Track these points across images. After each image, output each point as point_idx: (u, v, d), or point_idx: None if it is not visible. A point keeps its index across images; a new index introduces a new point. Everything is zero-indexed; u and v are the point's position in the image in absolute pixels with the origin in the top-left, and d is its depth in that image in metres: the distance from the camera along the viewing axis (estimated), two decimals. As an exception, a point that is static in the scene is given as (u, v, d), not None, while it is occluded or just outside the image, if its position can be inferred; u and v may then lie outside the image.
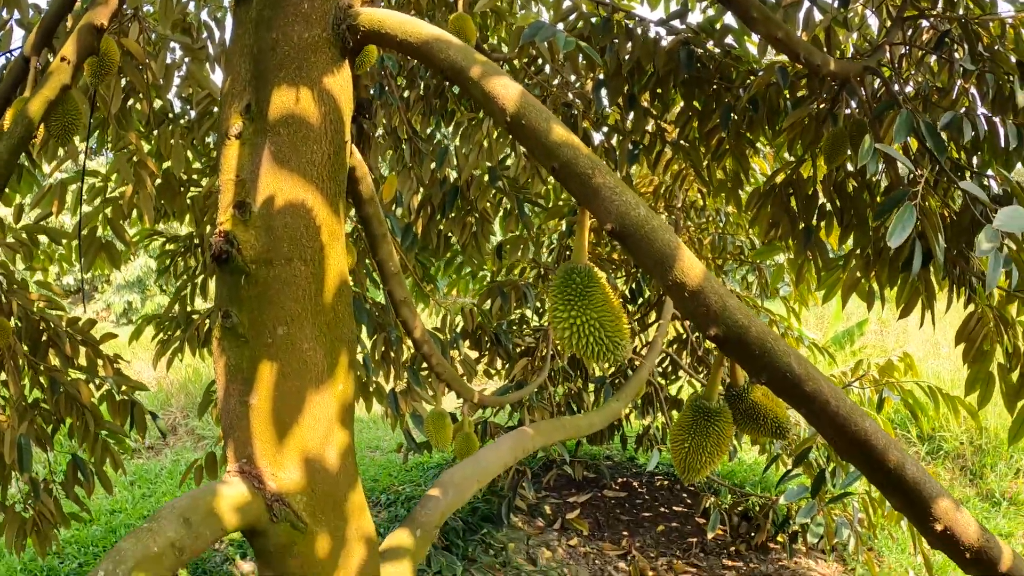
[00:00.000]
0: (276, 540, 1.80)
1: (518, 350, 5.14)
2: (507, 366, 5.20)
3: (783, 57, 3.56)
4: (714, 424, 1.47)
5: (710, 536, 5.25)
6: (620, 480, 6.62)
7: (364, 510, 1.95)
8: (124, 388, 3.78)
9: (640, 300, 5.87)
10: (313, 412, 1.75)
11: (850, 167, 3.71)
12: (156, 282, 16.51)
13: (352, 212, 3.71)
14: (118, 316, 18.70)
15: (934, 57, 3.71)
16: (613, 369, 5.74)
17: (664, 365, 6.11)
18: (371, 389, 4.88)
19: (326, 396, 1.77)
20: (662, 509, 6.13)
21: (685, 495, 6.42)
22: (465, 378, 4.94)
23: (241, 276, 1.67)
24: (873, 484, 1.30)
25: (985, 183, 3.26)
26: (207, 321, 4.72)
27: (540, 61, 4.52)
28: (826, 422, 1.21)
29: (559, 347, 1.66)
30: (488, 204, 4.72)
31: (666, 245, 1.25)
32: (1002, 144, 3.34)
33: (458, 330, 4.86)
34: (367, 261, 4.41)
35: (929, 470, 4.99)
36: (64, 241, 4.31)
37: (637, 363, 5.30)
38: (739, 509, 5.99)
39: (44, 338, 3.64)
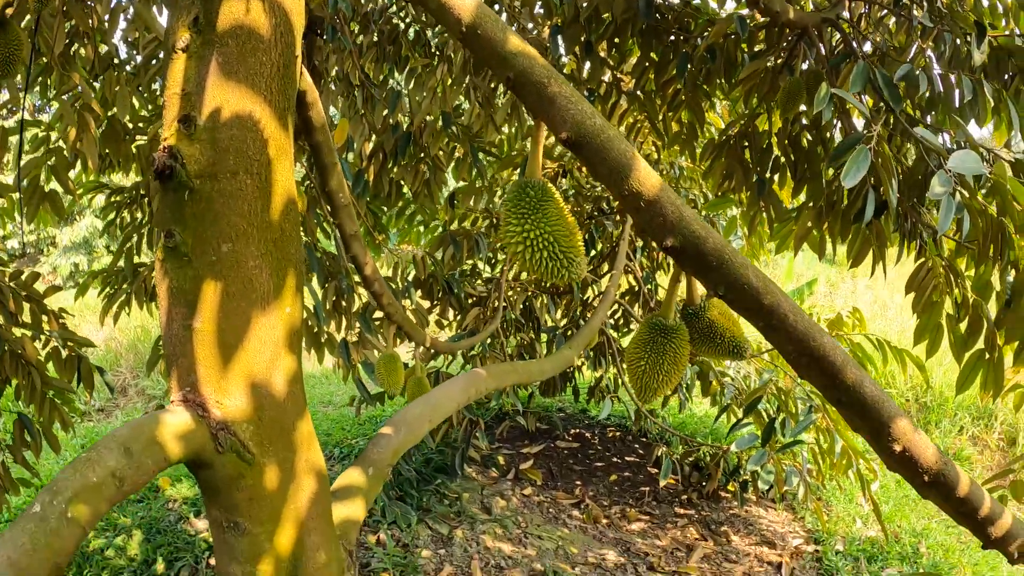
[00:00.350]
0: (222, 472, 1.75)
1: (470, 300, 5.12)
2: (459, 316, 5.18)
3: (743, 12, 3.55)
4: (671, 342, 1.43)
5: (662, 484, 5.33)
6: (573, 431, 6.67)
7: (313, 441, 1.92)
8: (70, 344, 3.68)
9: (593, 252, 5.87)
10: (259, 335, 1.70)
11: (805, 121, 3.73)
12: (102, 236, 16.09)
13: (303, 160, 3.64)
14: (64, 279, 18.23)
15: (893, 19, 3.72)
16: (566, 320, 5.75)
17: (616, 317, 6.14)
18: (322, 340, 4.83)
19: (272, 318, 1.72)
20: (614, 459, 6.20)
21: (637, 446, 6.50)
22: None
23: (185, 192, 1.61)
24: (831, 403, 1.29)
25: (939, 141, 3.29)
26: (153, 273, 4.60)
27: (496, 7, 4.45)
28: (784, 337, 1.20)
29: (511, 261, 1.58)
30: (441, 152, 4.66)
31: (622, 154, 1.23)
32: (956, 104, 3.36)
33: (409, 279, 4.82)
34: (317, 210, 4.34)
35: (874, 424, 5.09)
36: (6, 195, 4.15)
37: (589, 314, 5.32)
38: (690, 459, 6.08)
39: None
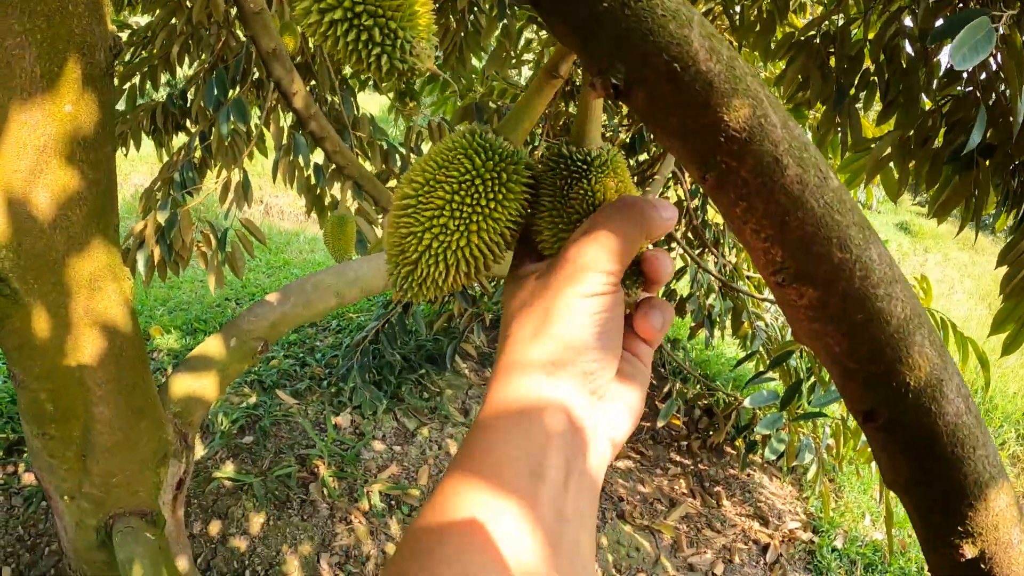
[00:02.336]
0: None
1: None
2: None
3: None
4: (503, 180, 0.70)
5: (660, 424, 4.81)
6: (585, 348, 6.12)
7: (103, 289, 1.44)
8: None
9: (642, 157, 5.23)
10: (17, 135, 1.24)
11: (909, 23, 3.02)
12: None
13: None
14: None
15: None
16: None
17: (656, 234, 5.52)
18: (326, 203, 4.38)
19: (37, 115, 1.25)
20: (622, 386, 5.66)
21: (652, 376, 5.94)
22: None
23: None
24: (846, 396, 0.60)
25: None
26: None
27: None
28: (760, 193, 0.53)
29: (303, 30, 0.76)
30: (476, 10, 4.02)
31: None
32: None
33: (424, 147, 4.28)
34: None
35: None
36: None
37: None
38: (704, 403, 5.53)
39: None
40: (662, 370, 6.11)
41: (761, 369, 5.28)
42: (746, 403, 4.14)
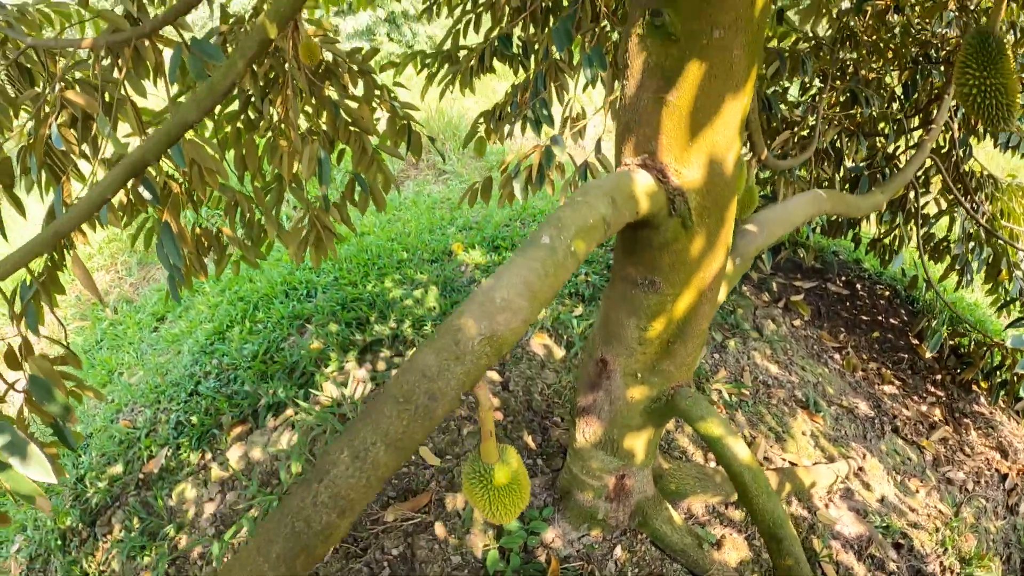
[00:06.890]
0: (662, 236, 1.97)
1: (772, 124, 5.04)
2: (768, 140, 5.13)
3: None
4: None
5: (928, 356, 5.26)
6: (844, 278, 6.59)
7: (732, 218, 2.10)
8: (402, 111, 3.73)
9: (909, 101, 5.55)
10: (725, 117, 1.83)
11: None
12: (419, 19, 16.05)
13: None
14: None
15: None
16: (866, 164, 5.56)
17: (920, 175, 5.85)
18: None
19: (738, 103, 1.84)
20: (879, 317, 6.12)
21: (903, 311, 6.35)
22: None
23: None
24: None
25: None
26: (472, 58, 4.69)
27: None
28: None
29: (959, 100, 1.82)
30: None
31: None
32: None
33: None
34: None
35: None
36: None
37: (893, 164, 5.10)
38: (952, 342, 5.89)
39: (321, 69, 3.54)
40: (911, 307, 6.48)
41: (1016, 316, 5.55)
42: (1008, 343, 4.53)
